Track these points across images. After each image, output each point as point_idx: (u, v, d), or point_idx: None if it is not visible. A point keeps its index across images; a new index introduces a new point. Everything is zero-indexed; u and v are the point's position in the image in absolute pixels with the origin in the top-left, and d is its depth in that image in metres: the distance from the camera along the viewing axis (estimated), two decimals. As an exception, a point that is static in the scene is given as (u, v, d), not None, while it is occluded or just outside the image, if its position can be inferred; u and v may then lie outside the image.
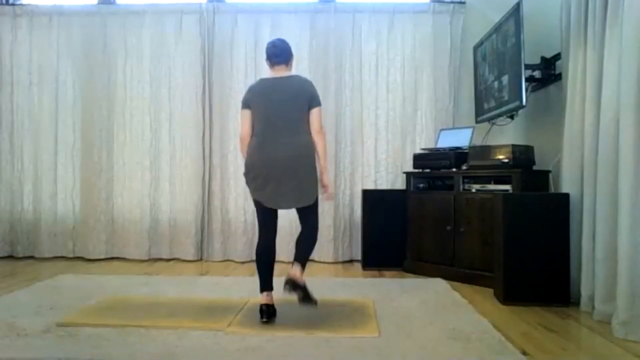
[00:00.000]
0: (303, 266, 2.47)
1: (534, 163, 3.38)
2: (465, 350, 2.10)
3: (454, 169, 3.73)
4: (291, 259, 4.53)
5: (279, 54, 2.62)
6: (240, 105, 2.67)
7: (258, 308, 2.51)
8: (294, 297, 2.38)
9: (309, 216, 2.60)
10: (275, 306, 2.55)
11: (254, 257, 4.38)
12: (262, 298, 2.54)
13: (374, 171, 4.51)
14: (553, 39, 3.25)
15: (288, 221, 4.35)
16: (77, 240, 4.59)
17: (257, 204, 2.58)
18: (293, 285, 2.36)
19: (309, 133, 2.57)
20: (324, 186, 2.65)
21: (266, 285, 2.56)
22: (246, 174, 2.58)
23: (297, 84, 2.59)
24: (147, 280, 3.53)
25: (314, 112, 2.57)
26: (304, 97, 2.56)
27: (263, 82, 2.65)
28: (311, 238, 2.61)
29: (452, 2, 4.48)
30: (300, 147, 2.52)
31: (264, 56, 2.70)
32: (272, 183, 2.49)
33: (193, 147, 4.53)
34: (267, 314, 2.48)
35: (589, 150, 2.71)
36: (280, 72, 2.63)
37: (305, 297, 2.37)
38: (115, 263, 4.37)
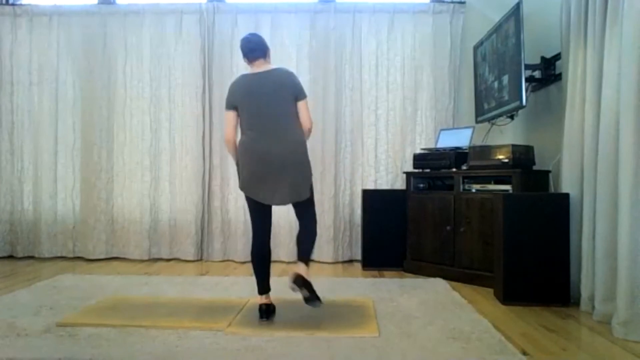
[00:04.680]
0: (307, 264, 2.48)
1: (534, 163, 3.38)
2: (465, 350, 2.10)
3: (454, 169, 3.73)
4: (291, 259, 4.54)
5: (255, 48, 2.54)
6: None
7: (257, 308, 2.54)
8: (299, 295, 2.38)
9: (307, 208, 2.57)
10: (275, 305, 2.59)
11: (254, 257, 4.44)
12: (260, 299, 2.56)
13: (374, 171, 4.51)
14: (553, 39, 3.25)
15: (288, 221, 4.35)
16: (77, 240, 4.59)
17: (251, 202, 2.54)
18: (301, 282, 2.35)
19: (299, 126, 2.52)
20: None
21: (264, 288, 2.57)
22: (240, 173, 2.54)
23: (279, 76, 2.51)
24: (147, 280, 3.53)
25: (302, 106, 2.52)
26: (289, 90, 2.48)
27: (244, 78, 2.54)
28: (311, 232, 2.56)
29: (452, 2, 4.48)
30: (293, 143, 2.47)
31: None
32: (267, 180, 2.44)
33: (193, 147, 4.53)
34: (267, 312, 2.51)
35: (589, 150, 2.71)
36: (260, 66, 2.55)
37: (312, 295, 2.36)
38: (115, 263, 4.37)
